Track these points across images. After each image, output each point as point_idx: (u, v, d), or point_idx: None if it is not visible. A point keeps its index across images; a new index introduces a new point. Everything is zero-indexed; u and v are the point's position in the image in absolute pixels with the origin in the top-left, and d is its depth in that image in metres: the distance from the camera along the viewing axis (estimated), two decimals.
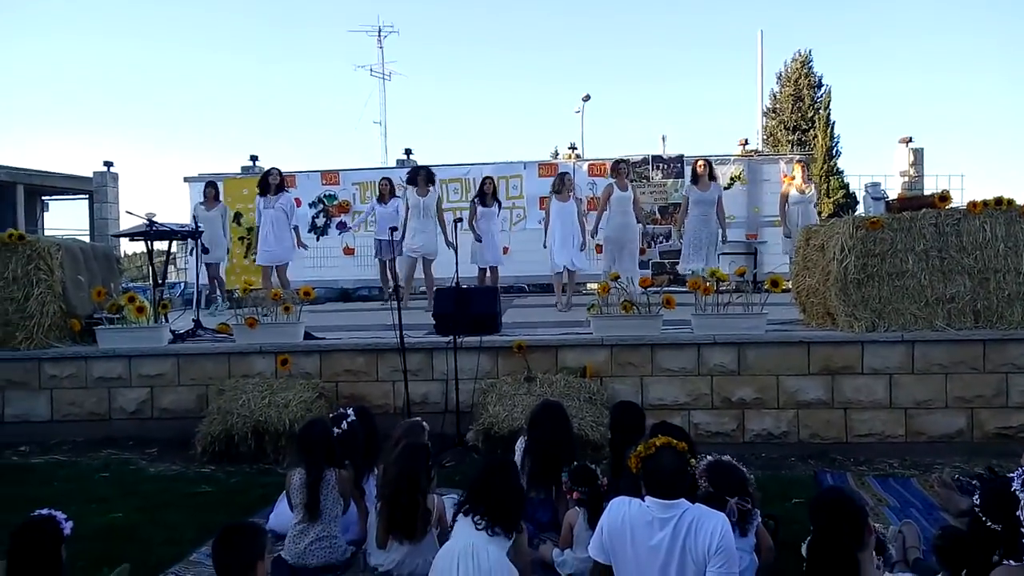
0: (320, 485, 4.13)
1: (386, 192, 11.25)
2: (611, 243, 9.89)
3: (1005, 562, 2.75)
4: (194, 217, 10.52)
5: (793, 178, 11.05)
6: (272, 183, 10.21)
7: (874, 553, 3.15)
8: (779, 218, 11.20)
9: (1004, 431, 6.34)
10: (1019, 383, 6.41)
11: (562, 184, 10.03)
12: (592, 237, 10.26)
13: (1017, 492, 2.85)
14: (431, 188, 10.27)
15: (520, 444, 4.85)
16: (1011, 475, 2.96)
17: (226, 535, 3.08)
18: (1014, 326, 6.51)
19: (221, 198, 11.72)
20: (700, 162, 10.22)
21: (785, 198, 10.86)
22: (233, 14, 68.84)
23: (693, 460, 3.51)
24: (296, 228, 10.51)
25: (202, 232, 9.20)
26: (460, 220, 9.17)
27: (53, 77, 71.97)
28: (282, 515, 4.59)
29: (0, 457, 6.66)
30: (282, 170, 10.77)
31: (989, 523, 2.89)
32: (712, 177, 10.10)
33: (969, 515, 3.34)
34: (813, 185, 10.94)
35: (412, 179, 10.25)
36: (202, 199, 11.28)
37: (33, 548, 3.02)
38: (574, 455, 4.62)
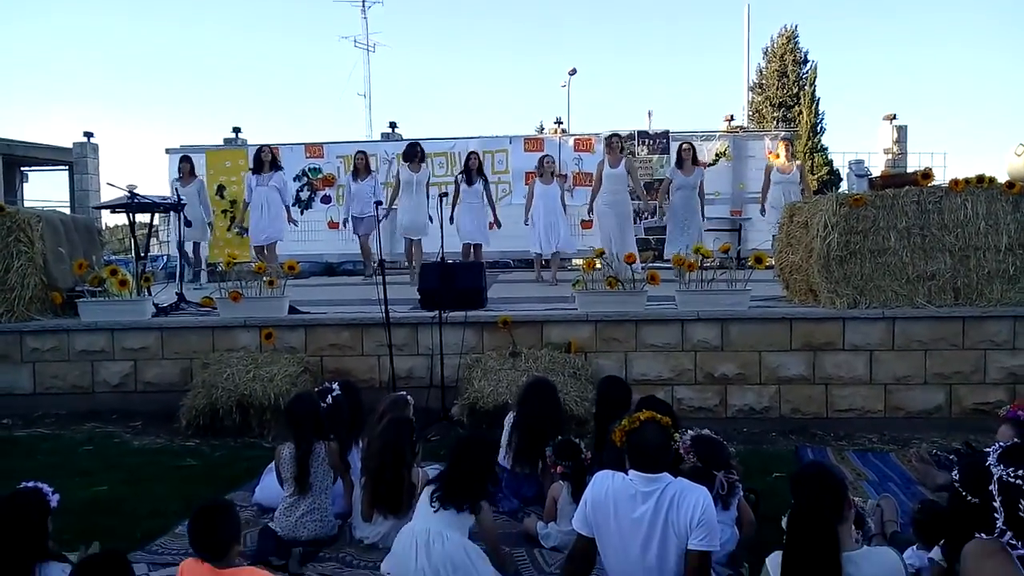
0: (310, 458, 4.13)
1: (361, 167, 10.80)
2: (604, 219, 9.90)
3: (977, 535, 2.80)
4: (175, 190, 10.42)
5: (778, 155, 10.97)
6: (265, 160, 10.24)
7: (853, 526, 3.20)
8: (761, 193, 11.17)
9: (982, 407, 6.43)
10: (997, 360, 6.50)
11: (543, 168, 10.17)
12: (589, 213, 10.42)
13: (992, 467, 2.90)
14: (423, 164, 10.40)
15: (509, 419, 4.90)
16: (987, 449, 3.01)
17: (203, 514, 3.03)
18: (993, 303, 6.58)
19: (197, 172, 11.55)
20: (685, 145, 10.48)
21: (768, 173, 10.67)
22: None
23: (676, 435, 3.55)
24: (288, 207, 10.55)
25: (184, 204, 9.11)
26: (446, 194, 9.13)
27: (30, 46, 70.57)
28: (267, 488, 4.60)
29: None
30: (268, 144, 10.76)
31: (969, 497, 2.94)
32: (695, 161, 10.43)
33: (947, 489, 3.39)
34: (796, 164, 10.70)
35: (410, 155, 10.31)
36: (178, 175, 11.14)
37: (20, 520, 3.02)
38: (561, 432, 4.67)
